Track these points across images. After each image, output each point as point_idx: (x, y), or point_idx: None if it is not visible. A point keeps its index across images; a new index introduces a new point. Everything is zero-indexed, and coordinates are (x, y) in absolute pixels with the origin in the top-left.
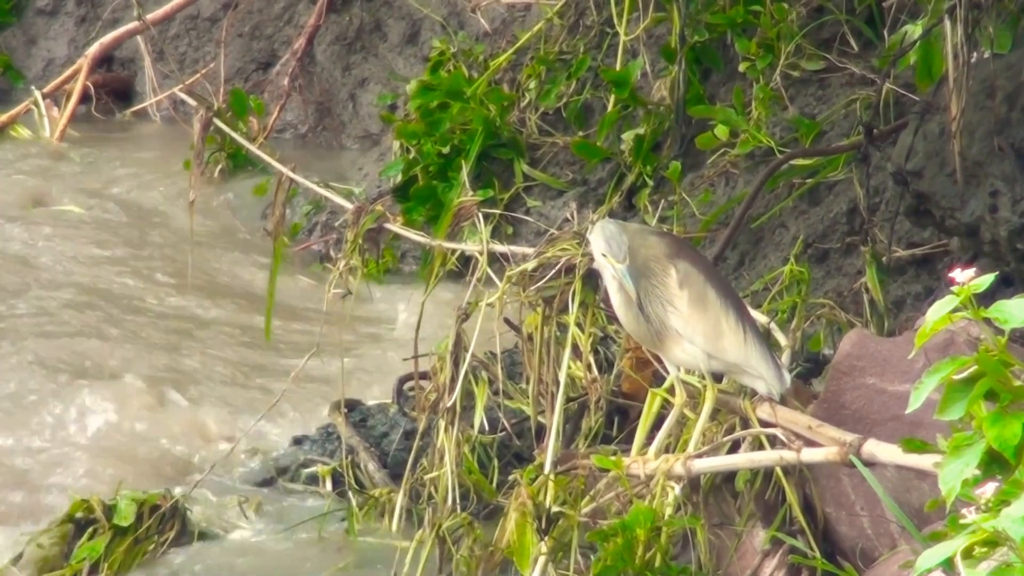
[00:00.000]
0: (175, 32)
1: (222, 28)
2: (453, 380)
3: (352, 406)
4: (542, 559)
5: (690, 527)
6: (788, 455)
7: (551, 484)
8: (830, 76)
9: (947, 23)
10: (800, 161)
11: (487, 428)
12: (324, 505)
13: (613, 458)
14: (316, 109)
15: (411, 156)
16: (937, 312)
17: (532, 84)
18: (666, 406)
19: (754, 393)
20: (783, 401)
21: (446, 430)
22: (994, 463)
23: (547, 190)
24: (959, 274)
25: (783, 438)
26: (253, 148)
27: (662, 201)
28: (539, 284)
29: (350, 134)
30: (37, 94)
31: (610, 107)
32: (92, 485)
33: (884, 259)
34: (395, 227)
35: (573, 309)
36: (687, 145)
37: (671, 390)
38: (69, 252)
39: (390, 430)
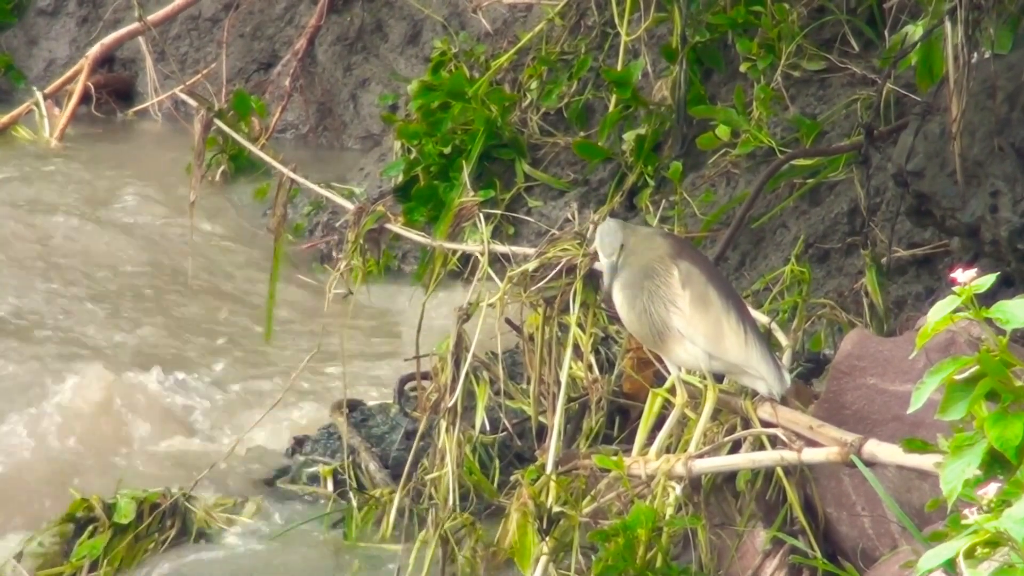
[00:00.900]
0: (176, 32)
1: (223, 28)
2: (454, 380)
3: (353, 406)
4: (543, 559)
5: (691, 527)
6: (789, 455)
7: (552, 484)
8: (831, 76)
9: (948, 24)
10: (801, 161)
11: (488, 428)
12: (325, 505)
13: (614, 458)
14: (317, 109)
15: (412, 156)
16: (938, 312)
17: (533, 84)
18: (667, 406)
19: (755, 393)
20: (784, 401)
21: (447, 430)
22: (995, 463)
23: (548, 190)
24: (960, 274)
25: (784, 438)
26: (254, 148)
27: (663, 201)
28: (540, 284)
29: (351, 134)
30: (38, 94)
31: (611, 107)
32: (92, 483)
33: (884, 259)
34: (396, 227)
35: (574, 309)
36: (688, 145)
37: (672, 390)
38: (69, 251)
39: (391, 430)
